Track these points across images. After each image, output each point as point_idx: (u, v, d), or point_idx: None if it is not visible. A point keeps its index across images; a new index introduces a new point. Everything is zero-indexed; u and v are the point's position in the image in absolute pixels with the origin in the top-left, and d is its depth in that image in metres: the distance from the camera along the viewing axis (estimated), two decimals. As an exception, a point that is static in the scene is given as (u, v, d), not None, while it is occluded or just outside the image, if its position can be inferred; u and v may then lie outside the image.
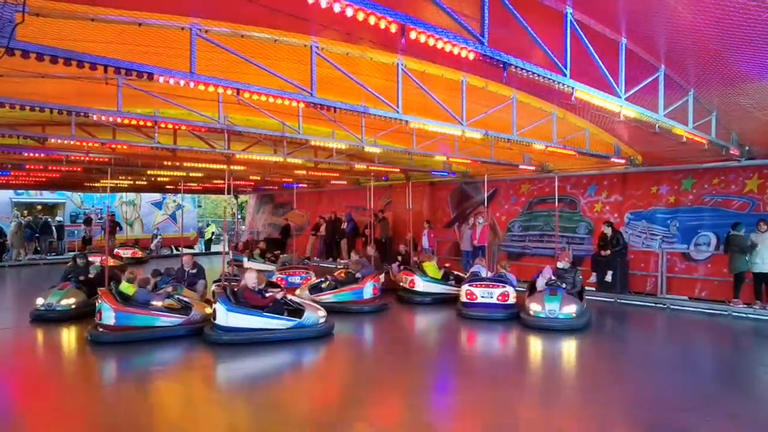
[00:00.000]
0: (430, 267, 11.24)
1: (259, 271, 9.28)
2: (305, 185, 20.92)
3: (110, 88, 6.58)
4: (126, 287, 7.94)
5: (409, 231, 15.40)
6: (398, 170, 14.55)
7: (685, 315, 9.83)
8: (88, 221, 21.80)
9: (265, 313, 7.35)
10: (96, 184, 19.39)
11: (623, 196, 12.24)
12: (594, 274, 11.45)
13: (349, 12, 3.30)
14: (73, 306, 8.81)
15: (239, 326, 7.21)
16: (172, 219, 26.34)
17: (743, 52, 5.21)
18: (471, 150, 11.20)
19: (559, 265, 9.03)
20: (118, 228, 21.75)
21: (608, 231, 11.14)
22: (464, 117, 7.19)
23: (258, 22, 5.33)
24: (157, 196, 25.45)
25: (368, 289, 9.76)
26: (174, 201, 26.36)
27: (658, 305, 10.40)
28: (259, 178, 17.84)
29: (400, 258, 13.04)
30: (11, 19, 3.62)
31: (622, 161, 10.95)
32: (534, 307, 8.37)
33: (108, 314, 7.40)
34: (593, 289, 11.40)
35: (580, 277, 8.93)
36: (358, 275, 10.18)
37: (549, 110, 8.55)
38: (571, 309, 8.19)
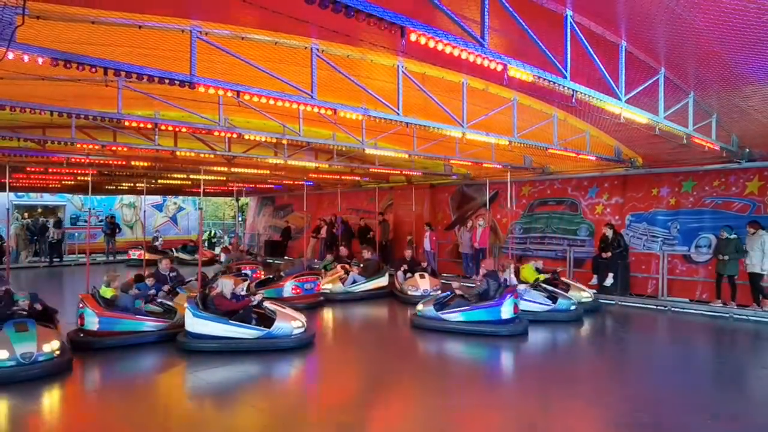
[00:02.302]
0: (527, 270, 10.65)
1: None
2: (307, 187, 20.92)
3: (110, 90, 6.58)
4: (104, 291, 7.68)
5: (409, 234, 15.26)
6: (399, 172, 14.54)
7: (686, 317, 9.81)
8: (57, 224, 19.28)
9: (231, 321, 7.03)
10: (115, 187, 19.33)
11: (624, 198, 12.23)
12: (595, 276, 11.45)
13: (349, 14, 3.29)
14: (57, 353, 6.16)
15: (206, 333, 6.98)
16: (173, 221, 26.37)
17: (743, 54, 5.22)
18: (472, 152, 11.20)
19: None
20: (117, 230, 21.73)
21: (609, 233, 11.12)
22: (465, 119, 7.18)
23: (258, 25, 5.33)
24: (157, 198, 25.46)
25: (287, 288, 10.38)
26: (174, 203, 26.38)
27: (659, 307, 10.39)
28: (263, 178, 17.83)
29: (405, 266, 12.11)
30: (11, 22, 3.62)
31: (623, 163, 10.95)
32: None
33: (91, 319, 7.12)
34: (594, 291, 11.38)
35: (484, 287, 8.46)
36: (282, 274, 10.91)
37: (550, 112, 8.55)
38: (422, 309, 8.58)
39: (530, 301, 9.13)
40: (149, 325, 7.48)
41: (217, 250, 20.19)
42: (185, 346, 7.01)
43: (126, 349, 7.12)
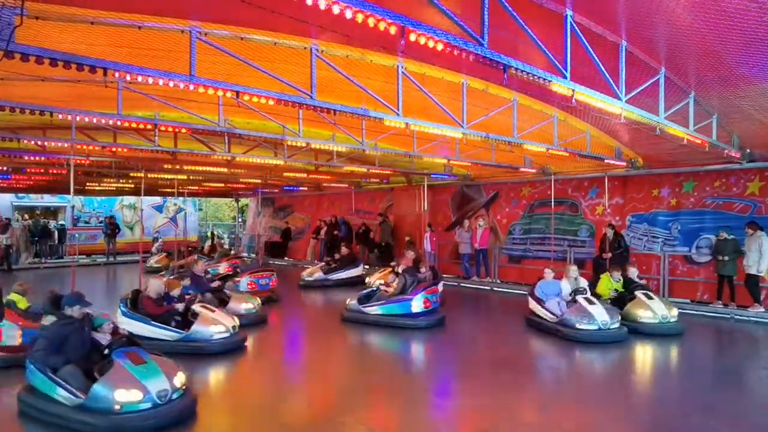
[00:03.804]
0: (604, 281, 9.04)
1: None
2: (306, 188, 20.92)
3: (110, 91, 6.58)
4: (17, 299, 7.14)
5: (407, 235, 15.14)
6: (399, 173, 14.53)
7: (688, 318, 9.77)
8: (5, 228, 17.41)
9: (152, 322, 7.07)
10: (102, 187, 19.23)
11: (624, 199, 12.22)
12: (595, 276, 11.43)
13: (348, 14, 3.29)
14: (185, 387, 5.13)
15: (134, 332, 6.87)
16: (173, 222, 26.35)
17: (743, 54, 5.20)
18: (472, 153, 11.19)
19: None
20: (117, 231, 21.71)
21: (610, 233, 11.11)
22: (464, 119, 7.17)
23: (258, 25, 5.33)
24: (157, 199, 25.46)
25: (243, 284, 11.15)
26: (174, 204, 26.36)
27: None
28: (260, 181, 17.82)
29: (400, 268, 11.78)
30: (10, 22, 3.61)
31: (623, 164, 10.93)
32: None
33: (12, 333, 6.46)
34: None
35: (401, 283, 9.10)
36: (238, 271, 12.15)
37: (550, 113, 8.54)
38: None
39: (545, 309, 8.40)
40: None
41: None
42: None
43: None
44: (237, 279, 11.29)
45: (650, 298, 8.45)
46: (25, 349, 6.34)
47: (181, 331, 7.09)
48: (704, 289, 10.55)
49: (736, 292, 9.59)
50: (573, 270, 8.82)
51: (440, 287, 11.27)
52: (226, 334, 7.24)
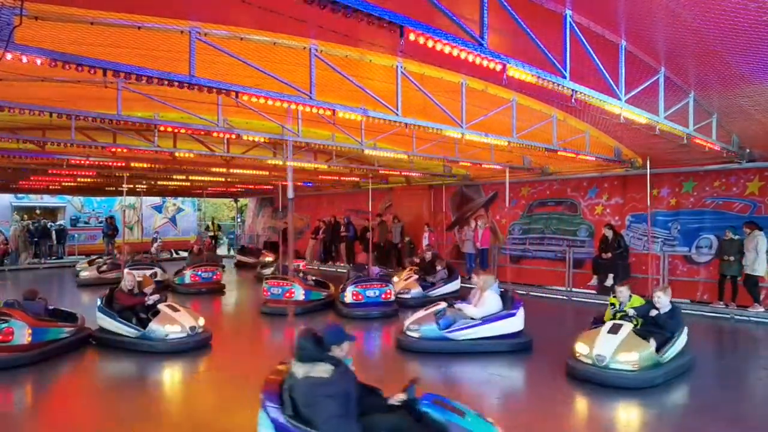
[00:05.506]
0: (636, 301, 6.67)
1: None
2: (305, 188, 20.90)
3: (110, 91, 6.57)
4: None
5: (406, 235, 15.18)
6: (398, 173, 14.53)
7: (687, 318, 9.75)
8: None
9: (117, 318, 7.31)
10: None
11: (624, 199, 12.22)
12: (595, 277, 11.43)
13: (348, 13, 3.28)
14: None
15: (106, 328, 7.49)
16: (172, 222, 26.34)
17: (743, 53, 5.21)
18: (471, 153, 11.19)
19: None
20: (116, 231, 21.66)
21: (609, 233, 11.11)
22: (464, 119, 7.17)
23: (257, 25, 5.32)
24: (157, 200, 25.45)
25: (187, 276, 12.67)
26: (173, 204, 26.34)
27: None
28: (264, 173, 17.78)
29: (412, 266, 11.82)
30: (9, 22, 3.61)
31: (623, 164, 10.93)
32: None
33: (21, 332, 6.47)
34: (594, 292, 11.36)
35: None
36: (185, 265, 13.58)
37: (549, 113, 8.53)
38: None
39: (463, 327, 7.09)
40: (66, 331, 7.29)
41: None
42: (96, 341, 7.51)
43: (57, 359, 6.84)
44: (182, 272, 12.63)
45: (611, 330, 5.93)
46: (35, 347, 6.59)
47: (140, 329, 7.22)
48: (704, 289, 10.55)
49: (738, 291, 9.58)
50: (483, 280, 7.41)
51: (457, 285, 11.72)
52: (182, 335, 7.21)
